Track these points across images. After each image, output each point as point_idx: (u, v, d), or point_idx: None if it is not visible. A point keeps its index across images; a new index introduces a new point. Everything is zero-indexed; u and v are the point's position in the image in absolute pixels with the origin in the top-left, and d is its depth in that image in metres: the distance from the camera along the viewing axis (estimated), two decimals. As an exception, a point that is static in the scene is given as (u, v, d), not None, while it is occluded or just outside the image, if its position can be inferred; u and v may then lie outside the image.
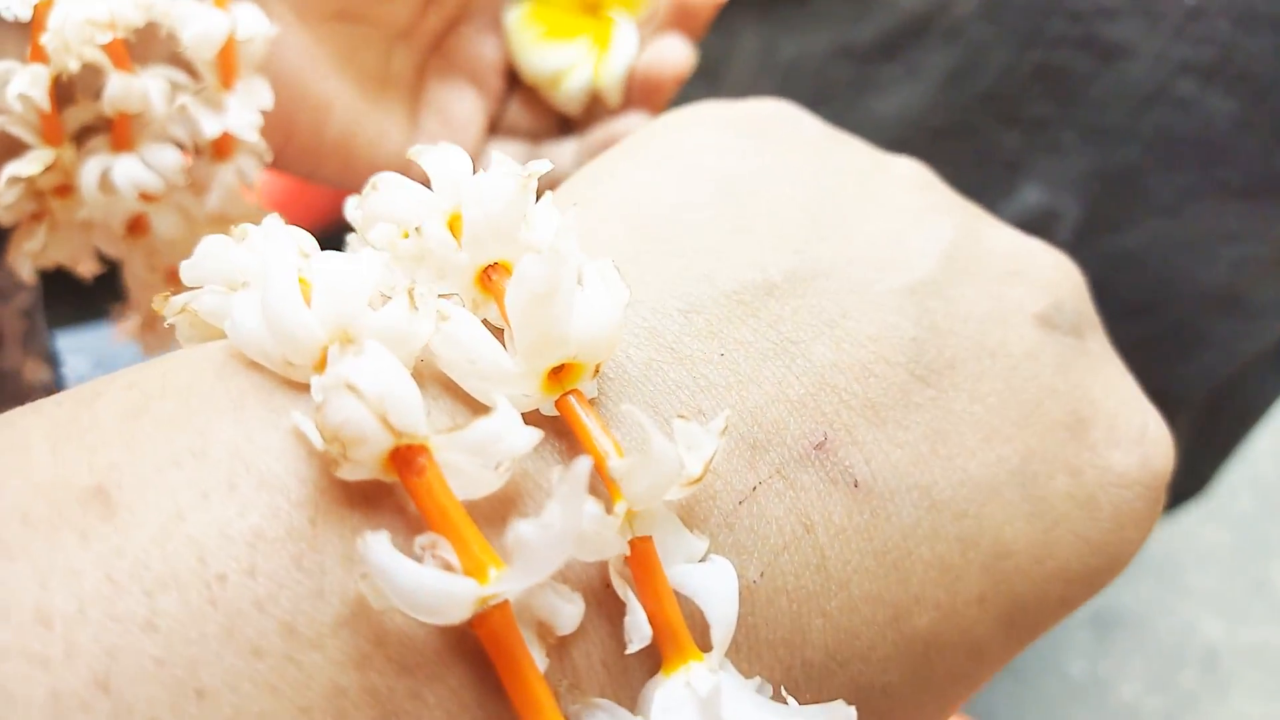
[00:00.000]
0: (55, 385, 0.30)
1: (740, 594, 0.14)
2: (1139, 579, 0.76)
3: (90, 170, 0.22)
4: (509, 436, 0.12)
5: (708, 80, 0.44)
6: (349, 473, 0.12)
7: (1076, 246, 0.41)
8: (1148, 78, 0.36)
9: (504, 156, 0.15)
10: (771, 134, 0.19)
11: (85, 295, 0.30)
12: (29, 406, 0.13)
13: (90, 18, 0.20)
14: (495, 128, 0.30)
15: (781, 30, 0.42)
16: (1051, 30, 0.37)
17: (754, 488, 0.14)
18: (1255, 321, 0.41)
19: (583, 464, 0.11)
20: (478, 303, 0.14)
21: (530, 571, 0.11)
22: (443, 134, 0.29)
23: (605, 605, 0.13)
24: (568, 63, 0.29)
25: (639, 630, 0.13)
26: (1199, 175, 0.37)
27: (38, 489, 0.11)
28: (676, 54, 0.28)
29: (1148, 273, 0.39)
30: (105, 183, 0.22)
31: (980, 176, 0.40)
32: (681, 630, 0.13)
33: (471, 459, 0.12)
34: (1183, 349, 0.41)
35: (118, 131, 0.22)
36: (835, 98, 0.42)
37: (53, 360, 0.30)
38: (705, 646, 0.13)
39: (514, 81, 0.30)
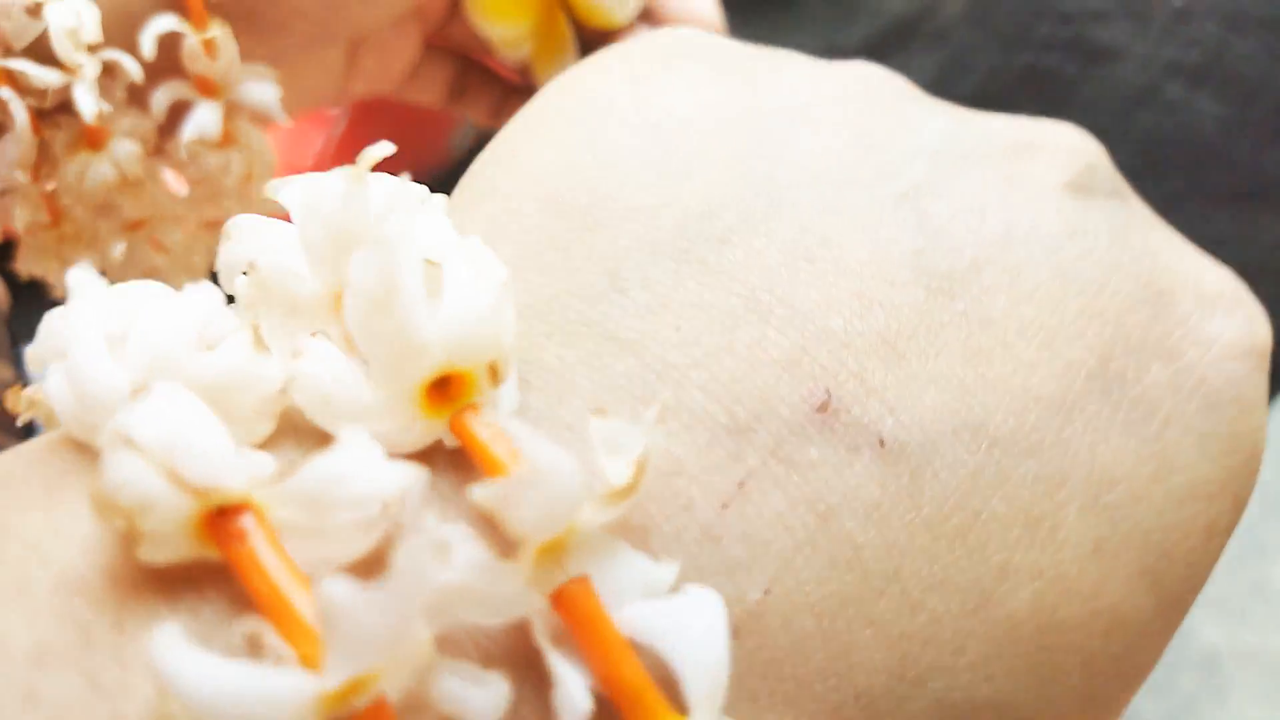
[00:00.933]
0: (19, 376, 0.30)
1: (741, 623, 0.11)
2: (1138, 582, 0.76)
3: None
4: (359, 476, 0.09)
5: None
6: (152, 553, 0.09)
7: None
8: (1135, 79, 0.36)
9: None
10: (688, 60, 0.16)
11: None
12: None
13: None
14: (428, 43, 0.30)
15: (767, 33, 0.42)
16: (1039, 32, 0.36)
17: (741, 483, 0.11)
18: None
19: (415, 481, 0.09)
20: (351, 338, 0.11)
21: (352, 652, 0.08)
22: (378, 71, 0.28)
23: (545, 677, 0.10)
24: (513, 38, 0.29)
25: (571, 705, 0.09)
26: (1186, 180, 0.36)
27: None
28: None
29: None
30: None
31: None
32: (646, 691, 0.10)
33: (316, 514, 0.09)
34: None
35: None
36: (822, 101, 0.41)
37: (14, 358, 0.30)
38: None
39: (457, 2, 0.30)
